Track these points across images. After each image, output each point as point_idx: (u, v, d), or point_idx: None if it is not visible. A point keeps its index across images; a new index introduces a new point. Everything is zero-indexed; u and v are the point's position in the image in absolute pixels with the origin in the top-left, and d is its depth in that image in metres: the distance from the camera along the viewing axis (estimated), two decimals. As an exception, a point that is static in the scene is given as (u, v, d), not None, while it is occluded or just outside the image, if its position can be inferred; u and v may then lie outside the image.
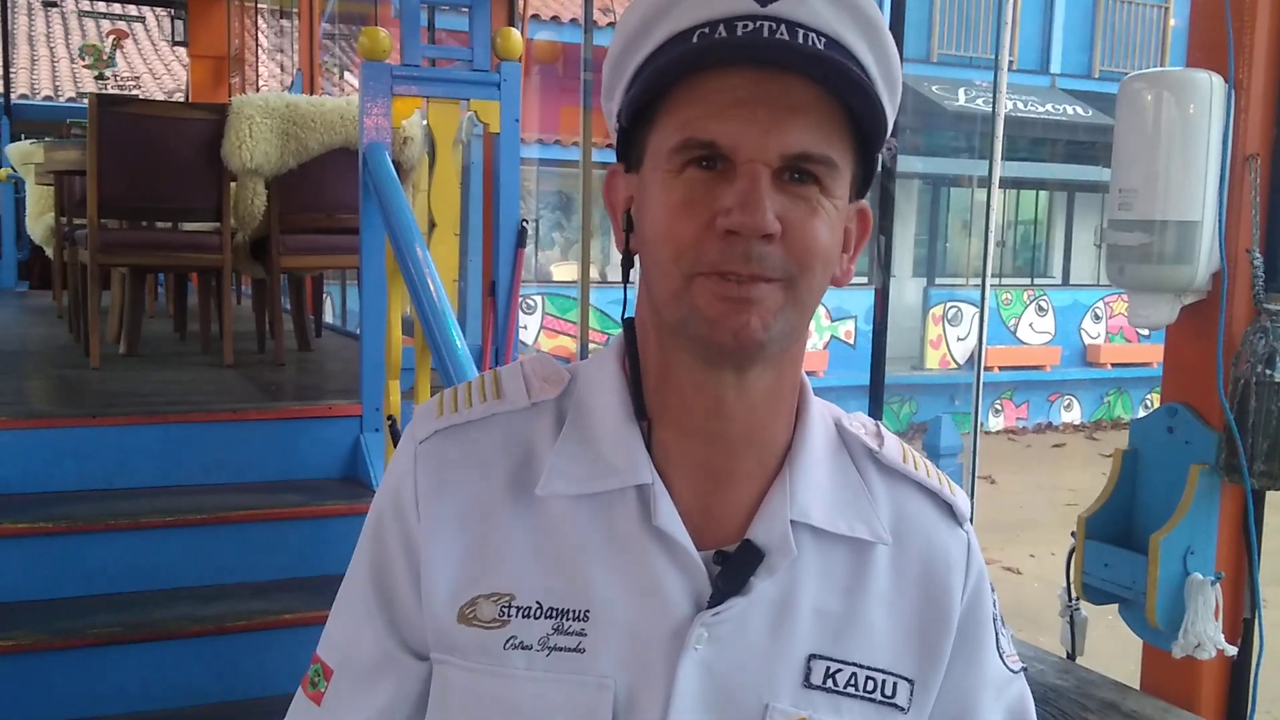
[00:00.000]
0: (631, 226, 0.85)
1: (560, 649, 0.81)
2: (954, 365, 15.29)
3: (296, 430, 3.29)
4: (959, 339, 15.41)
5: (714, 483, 0.85)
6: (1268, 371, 1.88)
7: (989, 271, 4.54)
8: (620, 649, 0.81)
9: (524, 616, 0.82)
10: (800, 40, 0.75)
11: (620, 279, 0.89)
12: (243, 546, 2.94)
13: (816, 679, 0.84)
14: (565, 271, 14.20)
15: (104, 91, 10.63)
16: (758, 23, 0.75)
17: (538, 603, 0.82)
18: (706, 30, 0.77)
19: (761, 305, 0.77)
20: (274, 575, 2.93)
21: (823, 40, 0.76)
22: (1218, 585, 1.95)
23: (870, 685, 0.85)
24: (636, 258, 0.85)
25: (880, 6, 0.87)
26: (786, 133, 0.75)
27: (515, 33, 3.59)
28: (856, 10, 0.78)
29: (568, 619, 0.82)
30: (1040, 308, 16.02)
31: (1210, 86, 1.92)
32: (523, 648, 0.82)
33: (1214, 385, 1.93)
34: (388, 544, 0.87)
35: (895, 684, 0.86)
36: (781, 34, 0.75)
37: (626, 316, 0.89)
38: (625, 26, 0.82)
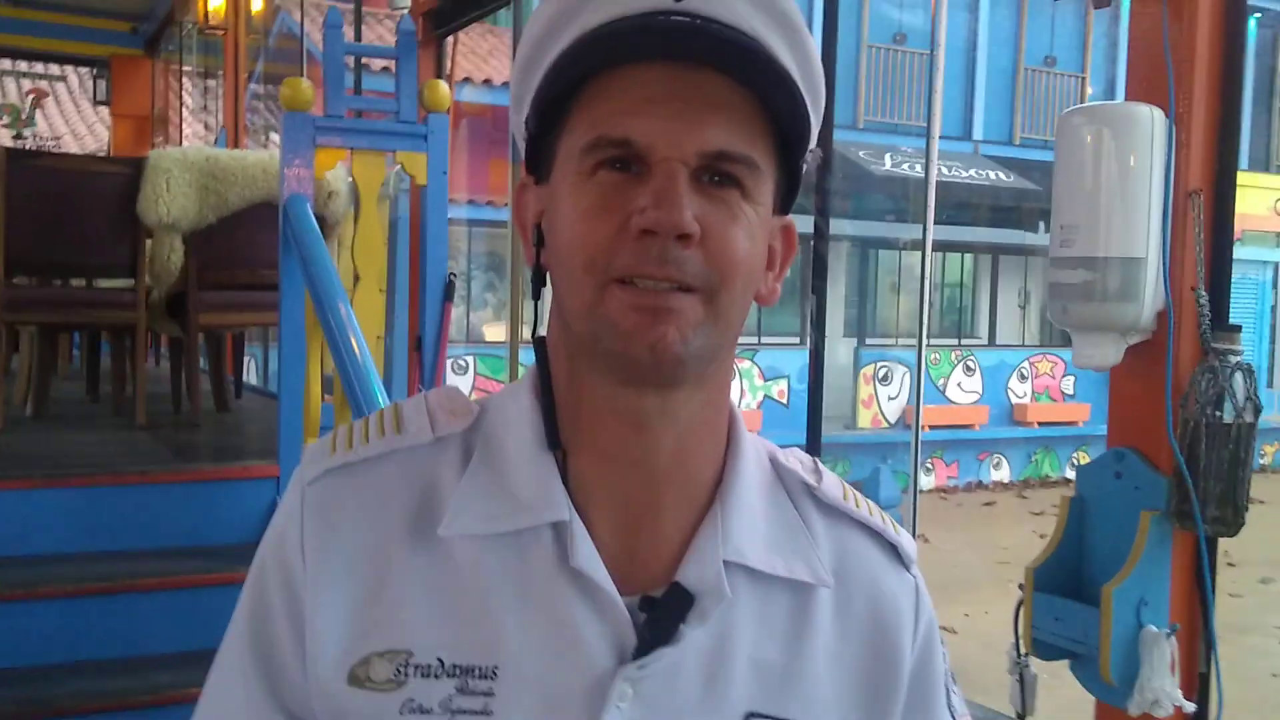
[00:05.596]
0: (542, 241, 0.78)
1: (464, 711, 0.71)
2: (885, 424, 15.38)
3: (210, 493, 3.15)
4: (890, 398, 15.53)
5: (638, 519, 0.76)
6: (1217, 413, 1.83)
7: (925, 331, 4.54)
8: (533, 709, 0.72)
9: (423, 676, 0.72)
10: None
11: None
12: (150, 616, 2.79)
13: None
14: (498, 332, 14.08)
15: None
16: (671, 18, 0.70)
17: (439, 659, 0.72)
18: (619, 25, 0.71)
19: (680, 317, 0.69)
20: (184, 646, 2.77)
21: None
22: (1173, 638, 1.88)
23: None
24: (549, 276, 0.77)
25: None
26: (705, 130, 0.70)
27: (442, 84, 3.52)
28: (774, 8, 0.72)
29: (473, 677, 0.72)
30: (968, 367, 16.21)
31: (1151, 120, 1.89)
32: (421, 711, 0.71)
33: (1163, 428, 1.88)
34: (269, 597, 0.77)
35: None
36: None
37: (538, 336, 0.80)
38: (533, 28, 0.76)
